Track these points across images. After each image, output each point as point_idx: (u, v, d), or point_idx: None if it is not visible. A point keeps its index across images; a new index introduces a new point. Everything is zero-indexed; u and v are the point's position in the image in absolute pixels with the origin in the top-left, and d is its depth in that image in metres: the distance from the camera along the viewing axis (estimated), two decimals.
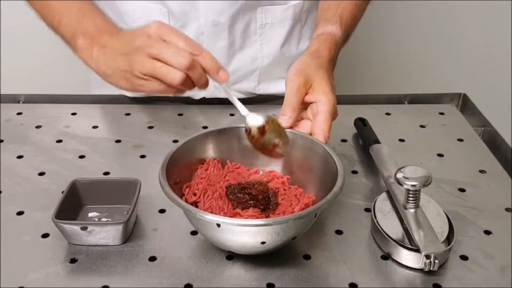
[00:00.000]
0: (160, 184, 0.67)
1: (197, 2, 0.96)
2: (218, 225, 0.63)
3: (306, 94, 0.77)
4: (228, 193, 0.72)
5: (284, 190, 0.74)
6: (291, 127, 0.76)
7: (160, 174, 0.68)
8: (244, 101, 1.06)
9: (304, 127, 0.77)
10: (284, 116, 0.76)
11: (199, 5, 0.96)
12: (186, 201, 0.69)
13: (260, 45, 1.02)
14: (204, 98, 1.04)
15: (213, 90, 1.03)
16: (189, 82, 0.74)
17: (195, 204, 0.71)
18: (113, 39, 0.79)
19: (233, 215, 0.70)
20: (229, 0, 0.96)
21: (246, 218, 0.69)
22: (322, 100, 0.76)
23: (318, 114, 0.75)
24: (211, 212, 0.68)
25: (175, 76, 0.72)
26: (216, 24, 0.97)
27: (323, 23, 0.87)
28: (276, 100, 1.07)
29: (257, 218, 0.69)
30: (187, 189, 0.72)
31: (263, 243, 0.65)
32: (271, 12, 1.01)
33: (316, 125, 0.75)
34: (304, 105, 0.78)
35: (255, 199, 0.71)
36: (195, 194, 0.73)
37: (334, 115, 0.77)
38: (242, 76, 1.04)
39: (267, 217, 0.70)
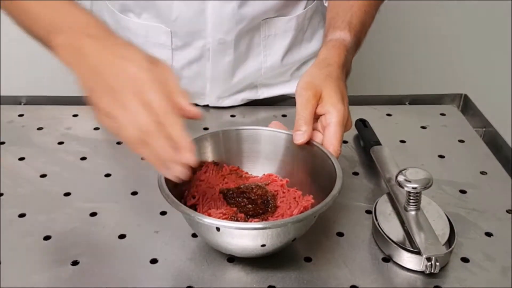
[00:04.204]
0: (159, 187, 0.67)
1: (205, 22, 0.95)
2: (218, 229, 0.63)
3: (317, 105, 0.74)
4: (226, 197, 0.72)
5: (283, 192, 0.74)
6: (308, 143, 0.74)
7: (159, 177, 0.68)
8: (244, 104, 1.07)
9: (314, 137, 0.75)
10: (299, 132, 0.73)
11: (207, 25, 0.95)
12: (185, 204, 0.69)
13: (263, 56, 1.02)
14: (207, 106, 1.05)
15: (216, 99, 1.04)
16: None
17: (194, 207, 0.71)
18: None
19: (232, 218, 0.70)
20: (236, 20, 0.95)
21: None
22: (331, 111, 0.73)
23: (327, 126, 0.73)
24: (210, 215, 0.68)
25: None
26: (223, 42, 0.97)
27: (331, 31, 0.85)
28: (276, 102, 1.07)
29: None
30: (186, 192, 0.72)
31: (263, 245, 0.65)
32: (274, 24, 1.00)
33: (326, 139, 0.73)
34: (315, 118, 0.75)
35: (254, 203, 0.71)
36: (194, 197, 0.73)
37: (345, 126, 0.74)
38: (245, 87, 1.04)
39: (266, 220, 0.70)
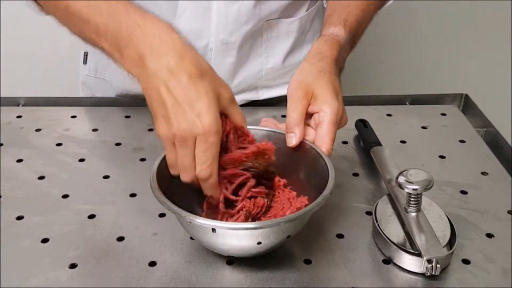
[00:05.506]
0: (152, 188, 0.66)
1: (209, 21, 0.94)
2: (214, 230, 0.63)
3: (309, 104, 0.74)
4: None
5: (278, 193, 0.74)
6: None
7: (152, 179, 0.67)
8: (245, 105, 1.06)
9: (306, 134, 0.74)
10: (291, 134, 0.73)
11: (211, 24, 0.95)
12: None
13: (265, 58, 1.02)
14: None
15: None
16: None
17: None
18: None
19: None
20: (241, 21, 0.95)
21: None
22: (324, 109, 0.72)
23: (320, 125, 0.72)
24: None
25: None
26: (226, 43, 0.96)
27: (326, 27, 0.85)
28: (276, 103, 1.06)
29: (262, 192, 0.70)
30: None
31: (259, 243, 0.64)
32: (277, 26, 1.00)
33: (318, 137, 0.72)
34: (309, 115, 0.75)
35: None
36: None
37: (339, 123, 0.74)
38: (246, 88, 1.04)
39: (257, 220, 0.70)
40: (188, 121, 0.63)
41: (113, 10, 0.69)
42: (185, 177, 0.67)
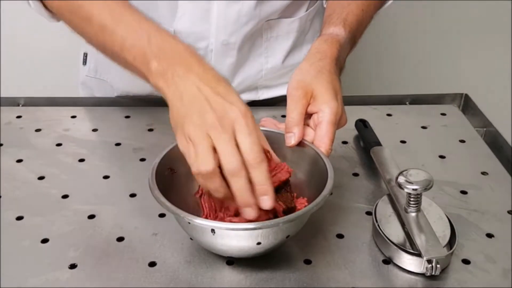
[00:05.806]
0: (150, 188, 0.66)
1: (209, 23, 0.94)
2: (213, 231, 0.63)
3: (309, 104, 0.74)
4: None
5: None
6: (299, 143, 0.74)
7: (150, 178, 0.67)
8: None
9: (306, 134, 0.74)
10: (290, 134, 0.73)
11: (211, 26, 0.95)
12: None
13: (265, 58, 1.02)
14: None
15: None
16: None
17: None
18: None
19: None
20: (241, 22, 0.95)
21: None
22: (323, 109, 0.72)
23: (319, 125, 0.72)
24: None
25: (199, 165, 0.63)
26: (226, 44, 0.96)
27: (326, 27, 0.84)
28: (276, 103, 1.06)
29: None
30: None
31: (258, 243, 0.64)
32: (277, 26, 1.00)
33: (317, 138, 0.72)
34: (308, 115, 0.75)
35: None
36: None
37: (338, 123, 0.74)
38: (245, 88, 1.04)
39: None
40: (224, 106, 0.63)
41: (140, 25, 0.71)
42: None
